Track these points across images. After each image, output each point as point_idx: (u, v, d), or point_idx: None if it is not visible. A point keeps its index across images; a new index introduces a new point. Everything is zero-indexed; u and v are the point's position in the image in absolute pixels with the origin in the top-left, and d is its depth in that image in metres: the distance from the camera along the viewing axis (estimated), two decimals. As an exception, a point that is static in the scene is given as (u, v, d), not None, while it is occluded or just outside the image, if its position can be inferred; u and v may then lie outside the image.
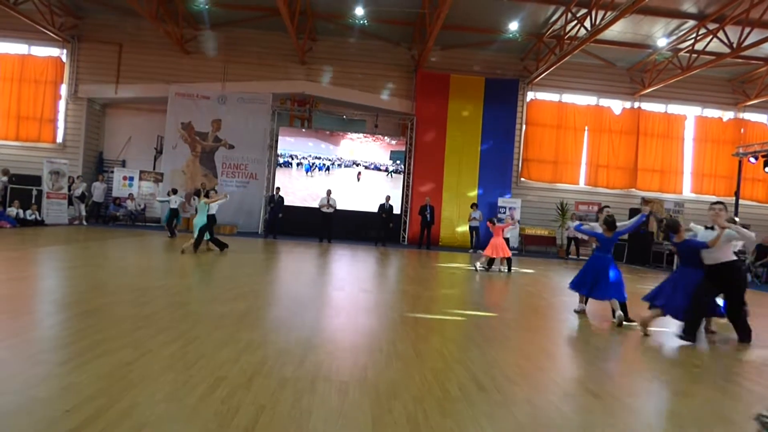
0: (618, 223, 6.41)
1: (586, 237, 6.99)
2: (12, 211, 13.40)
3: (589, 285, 6.17)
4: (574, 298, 7.16)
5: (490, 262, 10.91)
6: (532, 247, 17.47)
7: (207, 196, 10.42)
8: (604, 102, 18.60)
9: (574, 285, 6.40)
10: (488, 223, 11.65)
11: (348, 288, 7.40)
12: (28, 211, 13.83)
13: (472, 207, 16.19)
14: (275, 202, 15.50)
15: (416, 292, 7.47)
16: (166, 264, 8.78)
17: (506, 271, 10.91)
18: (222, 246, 10.59)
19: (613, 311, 5.99)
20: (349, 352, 4.09)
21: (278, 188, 16.06)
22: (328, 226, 15.45)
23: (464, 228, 16.88)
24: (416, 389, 3.25)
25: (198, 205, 10.26)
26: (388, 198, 16.03)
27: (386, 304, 6.29)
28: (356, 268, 10.11)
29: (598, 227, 6.50)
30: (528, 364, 4.14)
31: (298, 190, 17.17)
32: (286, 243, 14.06)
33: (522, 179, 18.37)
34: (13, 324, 4.12)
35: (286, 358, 3.69)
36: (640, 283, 11.36)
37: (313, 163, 17.36)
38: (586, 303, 6.58)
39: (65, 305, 5.03)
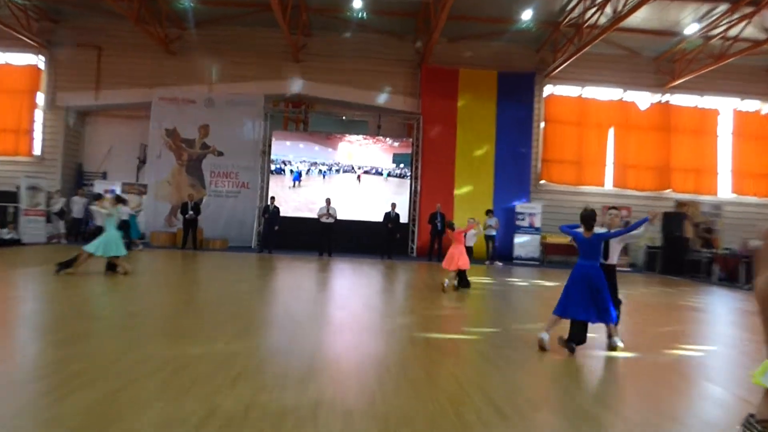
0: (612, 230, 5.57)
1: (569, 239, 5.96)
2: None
3: (575, 304, 5.18)
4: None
5: (461, 278, 9.66)
6: (554, 256, 17.42)
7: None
8: (630, 96, 18.58)
9: (559, 311, 5.31)
10: (447, 230, 10.53)
11: (351, 306, 7.43)
12: (5, 230, 13.97)
13: (487, 214, 16.19)
14: (270, 213, 15.55)
15: (427, 309, 7.47)
16: (150, 284, 8.83)
17: (459, 286, 9.58)
18: (113, 266, 9.01)
19: (609, 335, 5.49)
20: (354, 376, 4.11)
21: (272, 198, 16.14)
22: (328, 238, 15.48)
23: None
24: (429, 417, 3.26)
25: (112, 211, 9.02)
26: (393, 206, 16.07)
27: (394, 323, 6.29)
28: (360, 284, 10.12)
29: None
30: (553, 387, 4.13)
31: (292, 199, 17.26)
32: (282, 258, 14.11)
33: (542, 182, 18.36)
34: (-11, 353, 4.17)
35: (286, 384, 3.71)
36: (683, 299, 11.31)
37: (308, 170, 17.42)
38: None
39: (45, 331, 5.09)
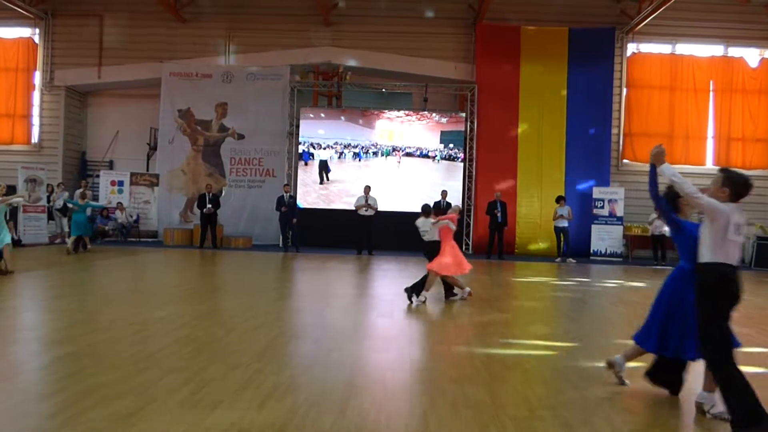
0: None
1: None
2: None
3: (658, 332, 4.22)
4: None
5: (447, 286, 8.64)
6: (640, 251, 16.95)
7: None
8: (736, 52, 17.90)
9: (639, 338, 4.42)
10: (430, 216, 9.71)
11: (397, 314, 7.44)
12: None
13: (558, 201, 15.91)
14: (286, 204, 15.68)
15: (488, 316, 7.41)
16: (166, 289, 9.11)
17: (414, 292, 8.13)
18: None
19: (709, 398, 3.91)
20: (402, 396, 4.12)
21: (287, 185, 16.34)
22: (367, 233, 15.58)
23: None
24: (493, 445, 3.24)
25: None
26: (444, 194, 15.97)
27: (448, 334, 6.28)
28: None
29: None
30: (642, 410, 4.04)
31: (322, 187, 17.43)
32: (313, 257, 14.25)
33: (625, 161, 17.89)
34: (-8, 368, 4.40)
35: (322, 405, 3.76)
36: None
37: (341, 153, 17.50)
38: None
39: (51, 343, 5.33)
